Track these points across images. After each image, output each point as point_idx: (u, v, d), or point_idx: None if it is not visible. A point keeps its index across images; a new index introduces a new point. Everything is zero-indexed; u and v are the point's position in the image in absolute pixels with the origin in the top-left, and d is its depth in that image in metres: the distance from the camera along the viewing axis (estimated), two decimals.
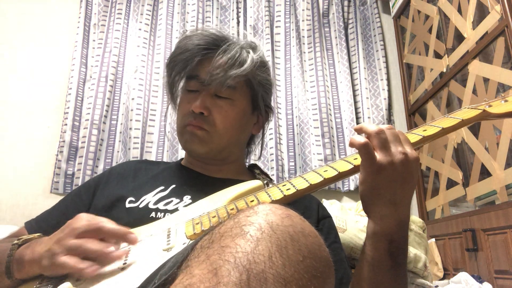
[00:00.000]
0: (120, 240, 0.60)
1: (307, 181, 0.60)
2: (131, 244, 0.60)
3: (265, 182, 0.79)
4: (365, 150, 0.56)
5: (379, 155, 0.56)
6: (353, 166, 0.59)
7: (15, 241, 0.64)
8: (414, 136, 0.62)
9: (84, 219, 0.59)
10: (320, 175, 0.60)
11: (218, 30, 0.83)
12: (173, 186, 0.79)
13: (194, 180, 0.82)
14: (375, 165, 0.55)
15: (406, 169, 0.55)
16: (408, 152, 0.56)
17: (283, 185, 0.63)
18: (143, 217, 0.71)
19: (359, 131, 0.60)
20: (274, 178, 2.11)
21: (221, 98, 0.80)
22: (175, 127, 1.03)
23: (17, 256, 0.62)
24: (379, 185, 0.56)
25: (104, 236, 0.60)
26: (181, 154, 2.12)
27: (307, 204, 0.80)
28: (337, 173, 0.59)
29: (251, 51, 0.83)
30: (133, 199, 0.76)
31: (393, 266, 0.56)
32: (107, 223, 0.60)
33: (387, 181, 0.55)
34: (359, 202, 1.78)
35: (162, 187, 0.79)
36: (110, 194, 0.80)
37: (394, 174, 0.55)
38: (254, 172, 0.90)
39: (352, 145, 0.57)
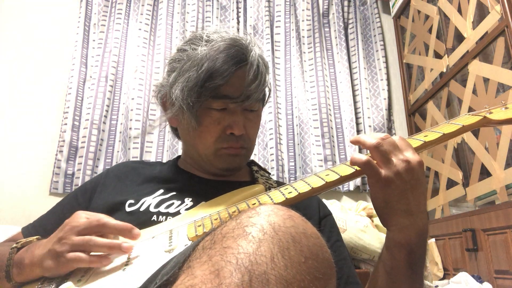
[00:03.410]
0: (124, 236, 0.61)
1: (308, 184, 0.61)
2: (133, 239, 0.61)
3: (266, 186, 0.78)
4: (368, 167, 0.55)
5: (383, 169, 0.55)
6: (355, 170, 0.59)
7: (14, 245, 0.64)
8: (415, 141, 0.62)
9: (82, 217, 0.60)
10: (322, 179, 0.61)
11: (234, 39, 0.76)
12: (173, 188, 0.79)
13: (194, 183, 0.81)
14: (382, 180, 0.55)
15: (413, 176, 0.55)
16: (410, 159, 0.55)
17: (285, 188, 0.63)
18: (145, 220, 0.70)
19: (356, 143, 0.59)
20: (274, 178, 2.11)
21: (250, 111, 0.79)
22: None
23: (16, 260, 0.62)
24: (391, 198, 0.55)
25: (106, 232, 0.60)
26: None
27: (307, 202, 0.79)
28: (339, 177, 0.59)
29: (259, 51, 0.80)
30: (133, 202, 0.75)
31: (411, 275, 0.56)
32: (109, 219, 0.60)
33: (398, 193, 0.55)
34: (359, 202, 1.78)
35: (162, 190, 0.78)
36: (108, 197, 0.79)
37: (402, 184, 0.55)
38: (252, 169, 0.90)
39: (354, 163, 0.57)
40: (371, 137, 0.57)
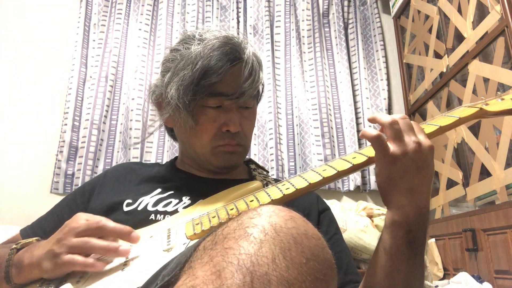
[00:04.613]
0: (123, 239, 0.61)
1: (306, 180, 0.60)
2: (132, 242, 0.60)
3: (264, 182, 0.78)
4: (378, 142, 0.56)
5: (392, 146, 0.56)
6: (352, 165, 0.59)
7: (14, 246, 0.64)
8: None
9: (82, 218, 0.60)
10: (319, 174, 0.60)
11: (227, 36, 0.77)
12: (171, 187, 0.79)
13: (192, 181, 0.82)
14: (389, 157, 0.55)
15: (420, 157, 0.55)
16: (421, 141, 0.56)
17: (282, 185, 0.63)
18: (143, 219, 0.70)
19: (373, 121, 0.60)
20: (274, 177, 2.11)
21: (245, 109, 0.80)
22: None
23: (15, 261, 0.62)
24: (394, 176, 0.56)
25: (105, 235, 0.60)
26: None
27: (306, 197, 0.79)
28: (336, 172, 0.59)
29: (253, 49, 0.81)
30: (131, 201, 0.75)
31: (411, 255, 0.56)
32: (109, 222, 0.60)
33: (402, 171, 0.55)
34: (359, 202, 1.78)
35: (159, 190, 0.78)
36: (106, 198, 0.79)
37: (408, 163, 0.55)
38: (250, 167, 0.90)
39: (364, 137, 0.57)
40: (387, 116, 0.58)
